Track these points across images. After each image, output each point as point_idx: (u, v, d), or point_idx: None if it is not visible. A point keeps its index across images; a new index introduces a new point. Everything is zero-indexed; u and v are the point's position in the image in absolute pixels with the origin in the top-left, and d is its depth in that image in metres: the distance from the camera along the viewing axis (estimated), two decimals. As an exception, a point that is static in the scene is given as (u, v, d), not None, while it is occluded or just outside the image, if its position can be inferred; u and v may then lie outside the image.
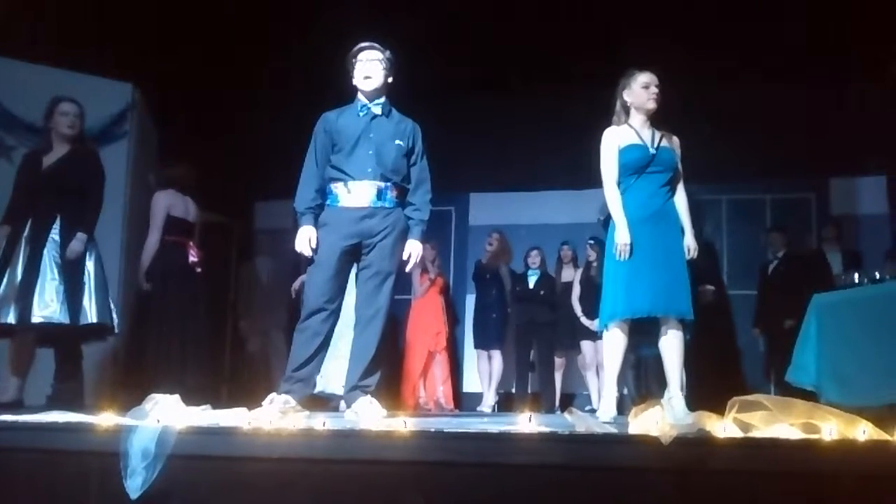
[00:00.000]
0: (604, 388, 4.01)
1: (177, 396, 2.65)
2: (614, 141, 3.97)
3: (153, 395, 2.63)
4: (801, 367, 4.87)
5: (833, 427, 2.31)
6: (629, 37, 6.52)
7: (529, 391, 7.72)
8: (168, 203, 5.44)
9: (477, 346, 7.96)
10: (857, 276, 4.96)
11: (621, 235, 3.84)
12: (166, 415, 2.52)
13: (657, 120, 4.02)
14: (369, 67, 3.87)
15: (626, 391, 4.03)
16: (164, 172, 5.70)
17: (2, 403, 4.36)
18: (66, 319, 4.49)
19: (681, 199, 4.02)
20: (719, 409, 2.48)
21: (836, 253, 7.15)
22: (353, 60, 3.91)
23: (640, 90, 3.97)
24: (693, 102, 4.13)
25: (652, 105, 3.97)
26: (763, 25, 6.78)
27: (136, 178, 6.39)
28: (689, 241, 3.95)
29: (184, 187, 5.56)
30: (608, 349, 3.95)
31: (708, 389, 3.95)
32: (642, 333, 3.96)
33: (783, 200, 8.33)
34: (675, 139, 4.03)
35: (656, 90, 3.96)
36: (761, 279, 7.50)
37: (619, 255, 3.83)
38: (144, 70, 6.47)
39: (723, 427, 2.36)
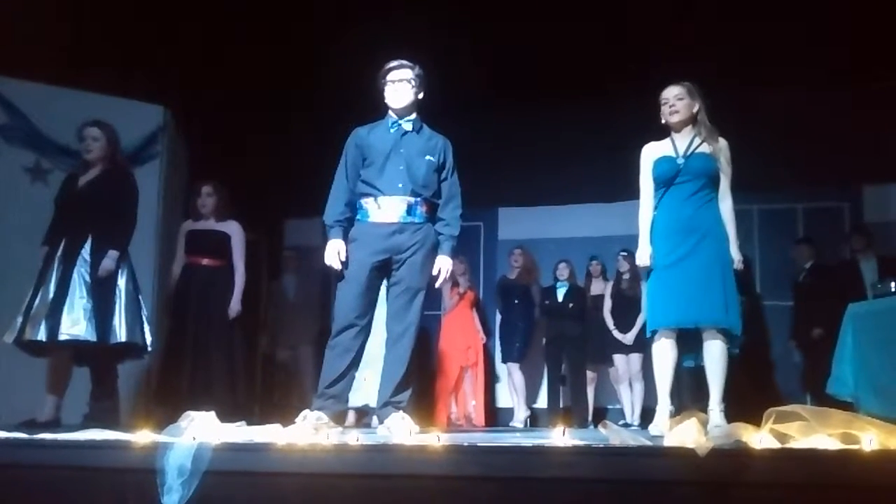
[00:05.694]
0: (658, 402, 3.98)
1: (212, 413, 2.68)
2: (648, 156, 4.04)
3: (189, 413, 2.66)
4: (839, 379, 4.81)
5: (873, 437, 2.27)
6: (658, 48, 6.51)
7: (561, 406, 7.68)
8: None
9: (503, 360, 7.98)
10: (893, 284, 4.88)
11: (639, 253, 3.98)
12: (202, 432, 2.55)
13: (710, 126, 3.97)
14: (399, 85, 3.89)
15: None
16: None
17: (39, 422, 4.40)
18: (93, 338, 4.52)
19: (724, 207, 3.94)
20: (755, 421, 2.45)
21: (871, 260, 7.03)
22: (384, 80, 3.93)
23: (662, 107, 4.02)
24: (722, 111, 4.07)
25: (672, 119, 3.98)
26: (793, 31, 6.72)
27: (168, 198, 6.49)
28: (734, 252, 3.88)
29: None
30: (654, 361, 3.98)
31: (743, 401, 3.89)
32: (679, 345, 3.94)
33: (815, 209, 8.22)
34: (720, 143, 3.94)
35: (673, 104, 3.96)
36: (794, 290, 7.43)
37: (641, 270, 4.07)
38: (175, 92, 6.59)
39: (759, 438, 2.32)
